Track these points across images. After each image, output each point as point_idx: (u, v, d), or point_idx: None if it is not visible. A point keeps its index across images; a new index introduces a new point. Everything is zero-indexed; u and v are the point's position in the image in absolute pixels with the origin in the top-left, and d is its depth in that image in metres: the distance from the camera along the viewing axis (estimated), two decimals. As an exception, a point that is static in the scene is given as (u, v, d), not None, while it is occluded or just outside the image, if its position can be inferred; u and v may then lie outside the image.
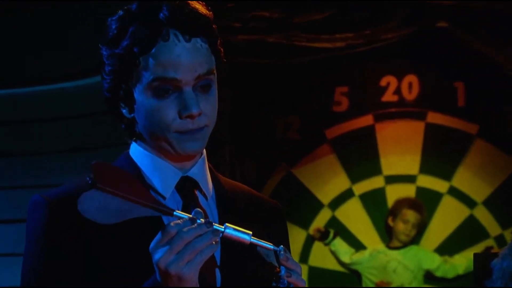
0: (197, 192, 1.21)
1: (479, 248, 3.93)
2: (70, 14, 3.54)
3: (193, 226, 1.04)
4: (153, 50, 1.16)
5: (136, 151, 1.23)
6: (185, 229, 1.04)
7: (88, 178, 1.04)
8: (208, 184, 1.23)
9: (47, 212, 1.15)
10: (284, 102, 4.10)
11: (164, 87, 1.16)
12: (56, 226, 1.14)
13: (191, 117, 1.16)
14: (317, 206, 4.10)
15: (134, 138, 1.23)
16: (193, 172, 1.22)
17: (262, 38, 3.71)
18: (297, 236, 4.05)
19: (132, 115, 1.20)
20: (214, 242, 1.05)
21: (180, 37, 1.16)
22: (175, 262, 1.03)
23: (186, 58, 1.16)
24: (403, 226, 3.96)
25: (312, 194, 4.11)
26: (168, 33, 1.16)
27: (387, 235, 4.03)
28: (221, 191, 1.24)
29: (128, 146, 1.25)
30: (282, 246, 1.10)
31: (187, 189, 1.20)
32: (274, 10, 3.64)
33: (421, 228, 3.99)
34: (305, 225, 4.08)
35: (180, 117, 1.16)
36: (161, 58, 1.16)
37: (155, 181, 1.20)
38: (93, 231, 1.12)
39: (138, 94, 1.18)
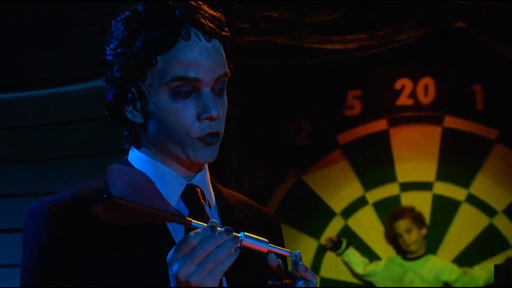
0: (203, 201, 1.21)
1: (499, 259, 3.91)
2: (72, 14, 3.55)
3: (214, 235, 1.05)
4: (173, 50, 1.16)
5: (137, 157, 1.23)
6: (207, 238, 1.05)
7: (105, 195, 1.03)
8: (211, 193, 1.24)
9: (47, 220, 1.14)
10: (294, 106, 4.10)
11: (184, 88, 1.17)
12: (57, 235, 1.13)
13: (211, 119, 1.17)
14: (329, 214, 4.09)
15: (135, 145, 1.23)
16: (197, 180, 1.22)
17: (271, 40, 3.72)
18: (308, 246, 4.04)
19: (141, 119, 1.19)
20: (233, 250, 1.06)
21: (201, 37, 1.17)
22: (196, 273, 1.03)
23: (207, 58, 1.17)
24: (403, 239, 3.96)
25: (324, 202, 4.10)
26: (189, 32, 1.17)
27: (397, 250, 4.02)
28: (222, 201, 1.25)
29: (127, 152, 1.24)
30: (298, 251, 1.12)
31: (193, 197, 1.20)
32: (283, 10, 3.64)
33: (422, 225, 3.97)
34: (316, 234, 4.08)
35: (199, 119, 1.17)
36: (181, 57, 1.16)
37: (160, 189, 1.17)
38: (96, 240, 1.12)
39: (153, 96, 1.18)
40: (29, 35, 3.59)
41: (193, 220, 1.07)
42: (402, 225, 3.95)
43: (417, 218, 3.98)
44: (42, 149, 3.61)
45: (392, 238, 3.98)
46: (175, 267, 1.05)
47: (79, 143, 3.56)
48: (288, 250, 1.11)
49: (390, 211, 4.01)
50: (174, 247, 1.06)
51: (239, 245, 1.06)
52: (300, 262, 1.11)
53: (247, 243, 1.08)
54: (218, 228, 1.06)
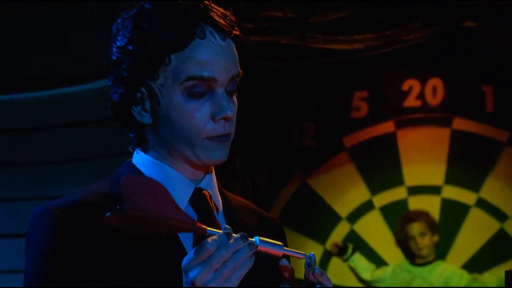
0: (212, 205, 1.21)
1: (510, 265, 3.90)
2: (72, 14, 3.56)
3: (231, 241, 1.06)
4: (187, 48, 1.16)
5: (143, 160, 1.22)
6: (224, 245, 1.05)
7: (118, 207, 1.03)
8: (218, 197, 1.24)
9: (52, 224, 1.14)
10: (298, 107, 4.11)
11: (198, 88, 1.17)
12: (62, 239, 1.13)
13: (226, 119, 1.17)
14: (335, 219, 4.09)
15: (141, 147, 1.22)
16: (205, 184, 1.22)
17: (275, 40, 3.72)
18: (313, 251, 4.01)
19: (150, 120, 1.19)
20: (250, 256, 1.07)
21: (216, 36, 1.18)
22: (214, 280, 1.04)
23: (222, 57, 1.17)
24: (416, 242, 3.95)
25: (329, 206, 4.10)
26: (204, 30, 1.17)
27: (408, 258, 4.02)
28: (228, 206, 1.25)
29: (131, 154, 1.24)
30: (312, 253, 1.13)
31: (201, 201, 1.20)
32: (288, 10, 3.65)
33: (435, 231, 3.97)
34: (321, 239, 4.08)
35: (213, 120, 1.17)
36: (197, 56, 1.16)
37: None
38: (101, 244, 1.13)
39: (165, 96, 1.17)
40: (28, 35, 3.60)
41: (208, 228, 1.08)
42: (416, 228, 3.96)
43: (431, 223, 3.99)
44: (42, 152, 3.61)
45: (403, 240, 3.98)
46: (192, 274, 1.05)
47: (80, 146, 3.56)
48: (303, 253, 1.12)
49: (404, 213, 4.01)
50: (189, 254, 1.06)
51: (254, 250, 1.07)
52: (316, 266, 1.11)
53: (262, 247, 1.09)
54: (233, 235, 1.07)
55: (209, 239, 1.06)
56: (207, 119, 1.17)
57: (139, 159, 1.23)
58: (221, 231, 1.07)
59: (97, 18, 3.45)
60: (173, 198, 1.07)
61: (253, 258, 1.07)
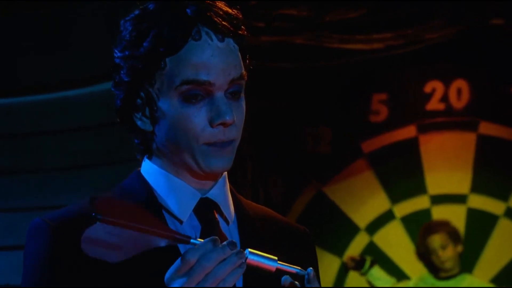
0: (217, 216, 1.21)
1: (541, 279, 3.89)
2: (72, 14, 3.58)
3: (215, 249, 1.05)
4: (183, 51, 1.17)
5: (149, 169, 1.23)
6: (206, 255, 1.05)
7: (94, 215, 1.04)
8: (229, 207, 1.23)
9: (49, 238, 1.16)
10: (314, 111, 4.11)
11: (194, 92, 1.17)
12: (58, 253, 1.15)
13: (224, 125, 1.17)
14: (353, 230, 4.08)
15: (147, 155, 1.23)
16: (213, 194, 1.22)
17: (289, 40, 3.73)
18: (329, 265, 4.04)
19: (151, 126, 1.20)
20: (239, 266, 1.05)
21: (213, 36, 1.17)
22: None
23: (220, 59, 1.17)
24: (437, 255, 3.94)
25: (347, 216, 4.10)
26: (200, 31, 1.17)
27: (432, 272, 4.00)
28: (243, 215, 1.24)
29: (139, 162, 1.25)
30: (310, 268, 1.10)
31: (206, 212, 1.20)
32: (302, 8, 3.65)
33: (457, 241, 3.95)
34: (338, 252, 4.07)
35: (211, 126, 1.17)
36: (192, 59, 1.16)
37: (171, 203, 1.20)
38: (101, 260, 1.12)
39: (162, 101, 1.18)
40: (25, 36, 3.62)
41: (192, 238, 1.07)
42: (436, 240, 3.94)
43: (452, 233, 3.97)
44: (40, 160, 3.63)
45: (425, 254, 3.97)
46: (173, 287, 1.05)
47: (82, 153, 3.57)
48: (300, 268, 1.10)
49: (423, 225, 4.00)
50: (172, 266, 1.06)
51: (245, 258, 1.05)
52: (316, 282, 1.09)
53: (252, 261, 1.07)
54: (220, 243, 1.05)
55: (190, 250, 1.05)
56: (204, 125, 1.17)
57: (147, 168, 1.24)
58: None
59: (98, 18, 3.47)
60: (150, 213, 1.07)
61: (243, 269, 1.06)
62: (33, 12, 3.59)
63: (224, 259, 1.05)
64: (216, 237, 1.06)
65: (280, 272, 1.09)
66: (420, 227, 4.05)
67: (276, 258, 1.09)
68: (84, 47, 3.50)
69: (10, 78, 3.71)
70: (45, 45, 3.63)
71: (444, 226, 3.97)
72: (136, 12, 1.20)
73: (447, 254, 3.94)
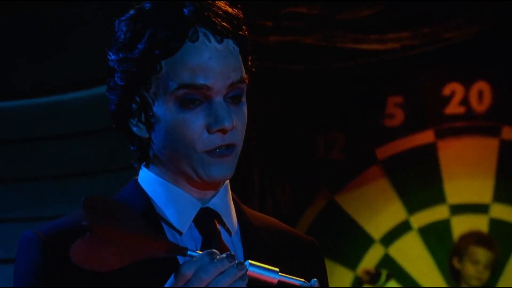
0: (219, 227, 1.21)
1: None
2: (70, 14, 3.60)
3: (213, 262, 1.05)
4: (179, 53, 1.16)
5: (146, 177, 1.23)
6: (203, 268, 1.05)
7: (84, 223, 1.04)
8: (232, 217, 1.24)
9: (38, 250, 1.17)
10: (325, 115, 4.11)
11: (191, 96, 1.17)
12: (48, 266, 1.16)
13: (223, 131, 1.17)
14: (367, 241, 4.08)
15: (145, 163, 1.24)
16: (215, 203, 1.22)
17: (298, 40, 3.73)
18: (342, 279, 4.03)
19: (147, 133, 1.20)
20: (240, 279, 1.05)
21: (211, 38, 1.17)
22: None
23: (218, 62, 1.17)
24: (472, 269, 3.91)
25: (360, 226, 4.09)
26: (197, 32, 1.17)
27: (453, 278, 3.98)
28: (247, 226, 1.24)
29: (137, 170, 1.25)
30: (314, 279, 1.11)
31: (207, 223, 1.21)
32: (312, 6, 3.66)
33: (494, 269, 3.94)
34: (352, 265, 4.07)
35: (209, 132, 1.17)
36: (188, 61, 1.16)
37: (170, 214, 1.21)
38: (88, 272, 1.12)
39: (158, 106, 1.18)
40: (21, 37, 3.64)
41: (189, 249, 1.07)
42: (483, 255, 3.92)
43: (496, 257, 3.94)
44: (35, 167, 3.64)
45: (459, 257, 3.93)
46: None
47: (79, 160, 3.59)
48: (303, 280, 1.10)
49: (477, 231, 3.96)
50: (170, 279, 1.06)
51: (244, 271, 1.06)
52: None
53: (253, 273, 1.07)
54: (219, 256, 1.06)
55: (187, 263, 1.06)
56: (202, 131, 1.17)
57: (144, 176, 1.24)
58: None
59: (96, 19, 3.49)
60: (144, 220, 1.08)
61: (246, 280, 1.06)
62: (32, 12, 3.60)
63: (223, 272, 1.05)
64: (214, 250, 1.07)
65: (283, 285, 1.10)
66: (439, 239, 4.04)
67: (277, 270, 1.09)
68: (81, 49, 3.51)
69: (3, 81, 3.72)
70: (40, 47, 3.65)
71: (494, 246, 3.94)
72: (132, 12, 1.20)
73: (483, 275, 3.92)
